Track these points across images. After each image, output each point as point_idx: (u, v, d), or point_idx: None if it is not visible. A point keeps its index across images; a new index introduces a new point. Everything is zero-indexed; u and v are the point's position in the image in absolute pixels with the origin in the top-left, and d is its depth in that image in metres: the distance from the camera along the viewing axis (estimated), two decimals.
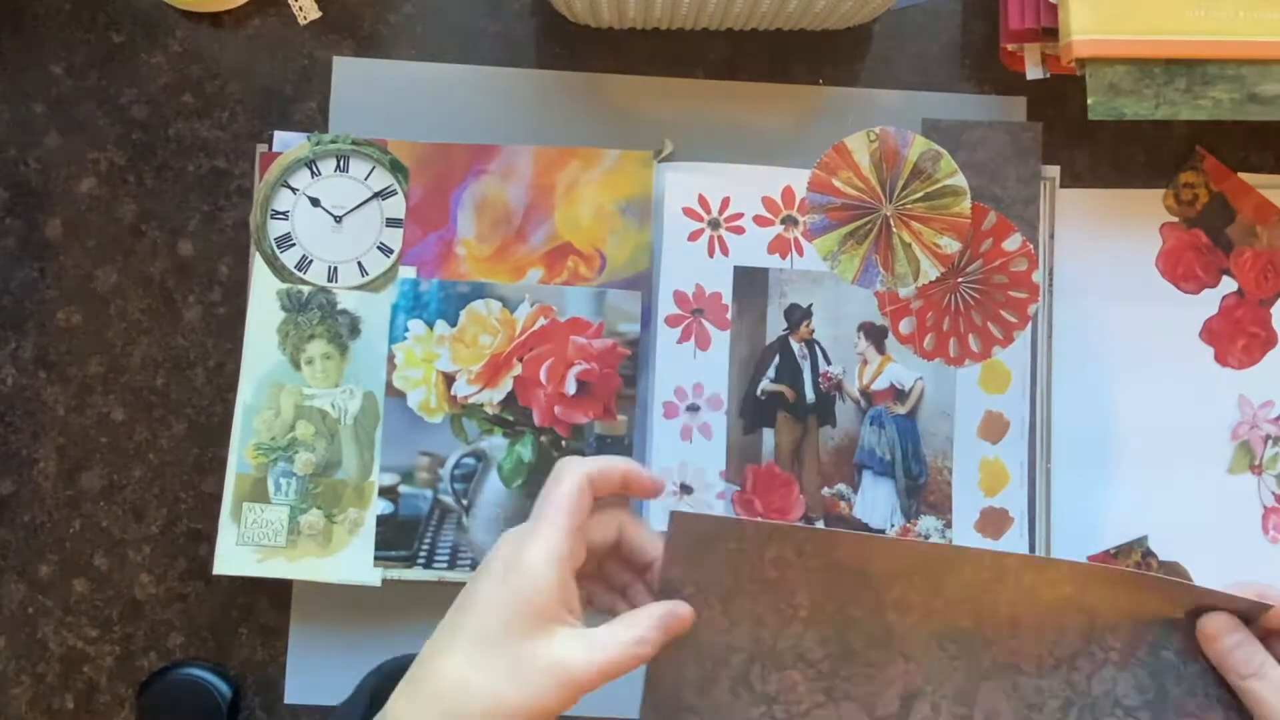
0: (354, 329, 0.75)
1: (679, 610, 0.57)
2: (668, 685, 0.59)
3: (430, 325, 0.75)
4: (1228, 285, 0.79)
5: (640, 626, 0.55)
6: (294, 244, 0.75)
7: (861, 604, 0.59)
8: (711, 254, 0.76)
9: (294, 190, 0.75)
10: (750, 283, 0.76)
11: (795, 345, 0.76)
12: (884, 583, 0.59)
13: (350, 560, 0.73)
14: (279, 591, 0.75)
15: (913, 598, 0.59)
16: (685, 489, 0.75)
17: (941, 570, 0.58)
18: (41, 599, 0.75)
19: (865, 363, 0.77)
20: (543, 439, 0.74)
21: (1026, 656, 0.59)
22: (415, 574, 0.73)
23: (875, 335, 0.77)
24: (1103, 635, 0.59)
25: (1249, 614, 0.57)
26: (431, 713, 0.52)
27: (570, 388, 0.74)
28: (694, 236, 0.76)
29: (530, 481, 0.74)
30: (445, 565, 0.73)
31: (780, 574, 0.58)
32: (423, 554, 0.73)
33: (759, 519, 0.57)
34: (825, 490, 0.76)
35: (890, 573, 0.58)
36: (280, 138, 0.76)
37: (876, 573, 0.59)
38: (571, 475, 0.56)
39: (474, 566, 0.73)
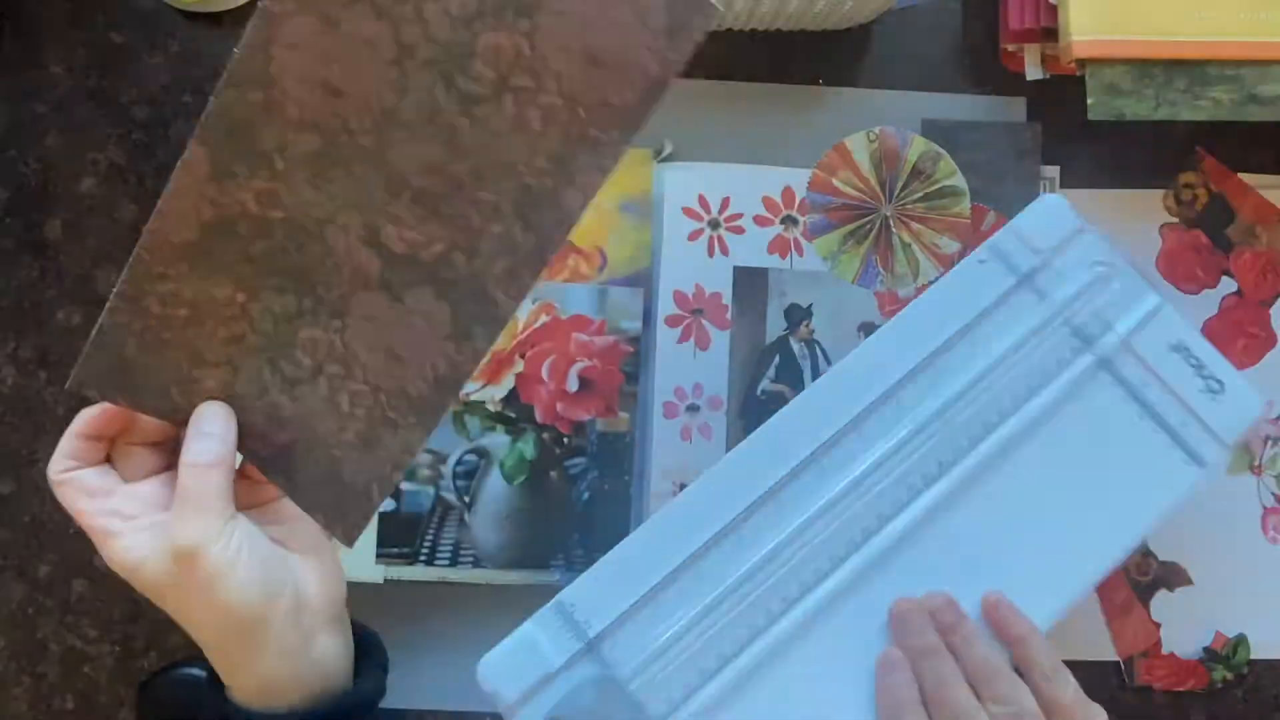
0: None
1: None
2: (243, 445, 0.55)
3: None
4: (1227, 286, 0.79)
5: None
6: None
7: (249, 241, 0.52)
8: (711, 254, 0.76)
9: None
10: (750, 283, 0.76)
11: (795, 345, 0.76)
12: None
13: (352, 557, 0.73)
14: None
15: (255, 184, 0.51)
16: (685, 489, 0.75)
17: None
18: (41, 599, 0.75)
19: None
20: (545, 436, 0.74)
21: (382, 95, 0.49)
22: (417, 571, 0.73)
23: None
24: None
25: None
26: None
27: (572, 385, 0.74)
28: (694, 236, 0.76)
29: (532, 478, 0.74)
30: (447, 562, 0.73)
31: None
32: (424, 551, 0.73)
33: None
34: None
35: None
36: None
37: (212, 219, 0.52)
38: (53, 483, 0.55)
39: (475, 563, 0.73)
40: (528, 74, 0.49)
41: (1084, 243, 0.67)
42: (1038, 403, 0.65)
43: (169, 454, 0.57)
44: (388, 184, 0.51)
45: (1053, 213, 0.68)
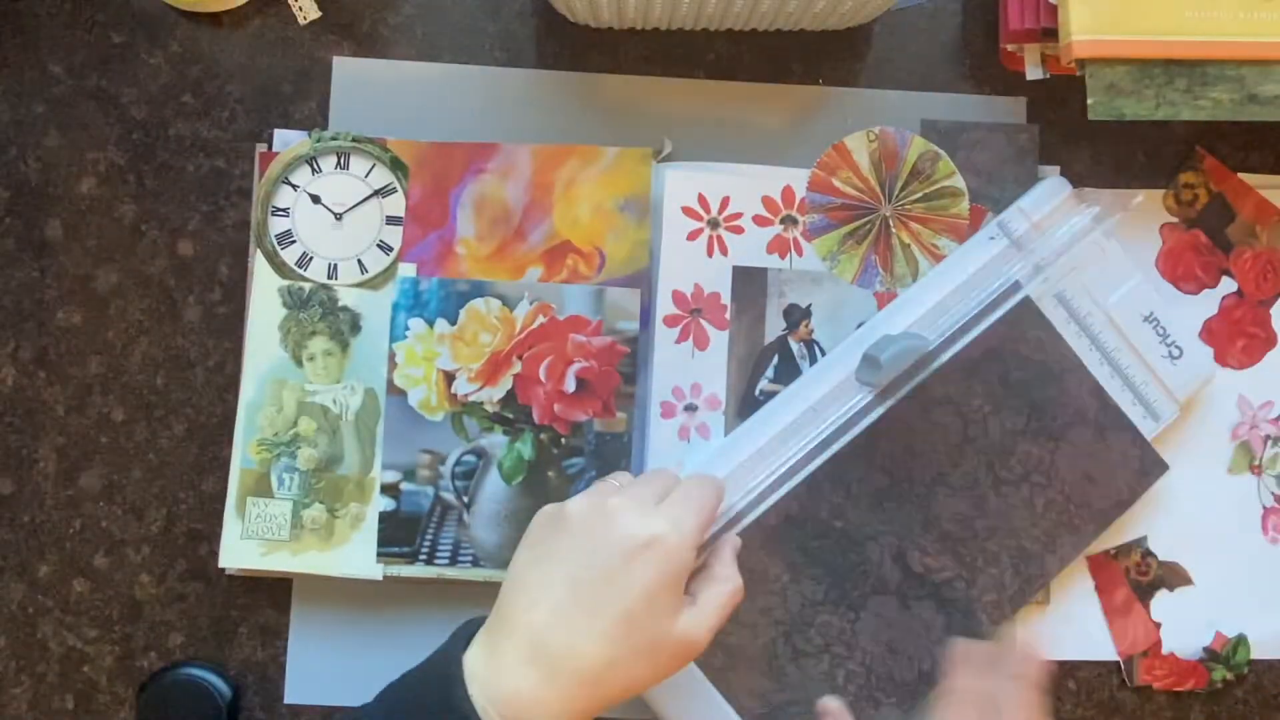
0: (355, 326, 0.75)
1: (734, 540, 0.66)
2: (742, 695, 0.71)
3: (430, 324, 0.75)
4: (1227, 285, 0.79)
5: (725, 575, 0.63)
6: (294, 241, 0.75)
7: (809, 538, 0.72)
8: (710, 254, 0.76)
9: (295, 187, 0.75)
10: (749, 282, 0.76)
11: (794, 345, 0.76)
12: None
13: (352, 555, 0.73)
14: (279, 591, 0.75)
15: (834, 499, 0.72)
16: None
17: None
18: (41, 599, 0.75)
19: None
20: (542, 436, 0.74)
21: (941, 463, 0.73)
22: (417, 570, 0.73)
23: None
24: (968, 403, 0.73)
25: None
26: (569, 691, 0.57)
27: (570, 385, 0.74)
28: (693, 236, 0.76)
29: (530, 479, 0.74)
30: (446, 562, 0.73)
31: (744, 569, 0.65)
32: (424, 550, 0.73)
33: None
34: None
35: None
36: (280, 136, 0.76)
37: (795, 514, 0.72)
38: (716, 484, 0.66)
39: (475, 563, 0.73)
40: (1044, 475, 0.74)
41: (1080, 223, 0.75)
42: None
43: None
44: (925, 522, 0.73)
45: (1054, 193, 0.76)
